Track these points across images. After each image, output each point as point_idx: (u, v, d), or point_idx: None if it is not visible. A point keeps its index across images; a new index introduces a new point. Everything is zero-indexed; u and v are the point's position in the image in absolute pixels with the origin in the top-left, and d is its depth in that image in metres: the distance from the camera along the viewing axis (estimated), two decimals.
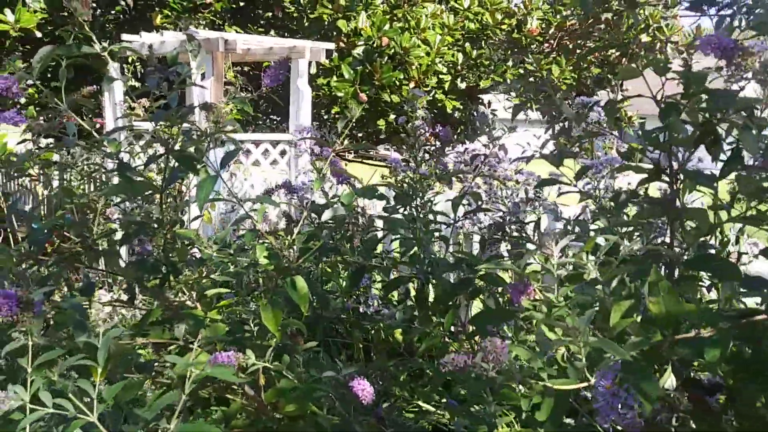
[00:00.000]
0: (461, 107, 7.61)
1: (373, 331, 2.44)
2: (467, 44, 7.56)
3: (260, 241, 1.50)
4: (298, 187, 2.22)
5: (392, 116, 6.63)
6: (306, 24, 6.80)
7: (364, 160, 8.44)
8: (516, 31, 7.74)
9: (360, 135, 8.06)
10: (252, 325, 1.58)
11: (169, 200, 1.61)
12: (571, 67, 7.04)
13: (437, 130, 2.31)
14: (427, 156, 3.20)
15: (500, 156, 2.22)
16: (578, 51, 7.72)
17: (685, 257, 1.58)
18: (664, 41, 6.57)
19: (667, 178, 1.61)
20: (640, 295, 1.02)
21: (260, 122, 9.03)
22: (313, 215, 1.79)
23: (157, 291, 1.59)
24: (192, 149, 1.50)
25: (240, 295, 1.61)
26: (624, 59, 7.36)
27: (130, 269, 1.62)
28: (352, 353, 2.63)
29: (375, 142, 7.94)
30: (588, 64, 7.19)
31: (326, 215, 1.64)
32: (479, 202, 2.13)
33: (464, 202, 2.14)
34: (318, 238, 1.62)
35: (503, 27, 7.68)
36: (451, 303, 1.96)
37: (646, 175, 1.64)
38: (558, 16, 7.52)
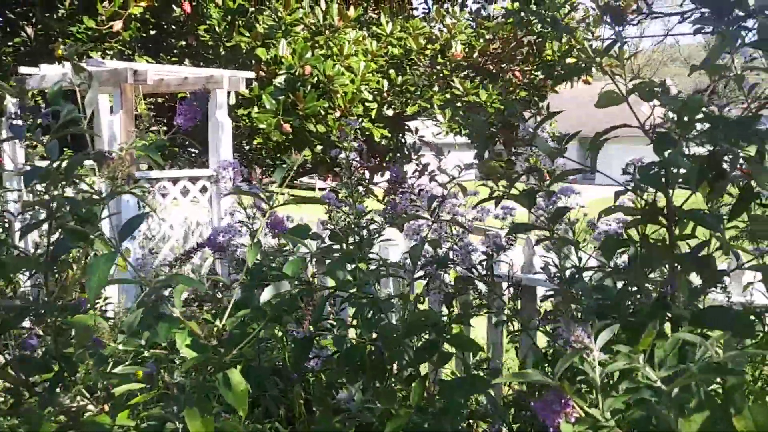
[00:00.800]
0: (389, 135, 7.40)
1: (314, 380, 2.12)
2: (391, 70, 7.38)
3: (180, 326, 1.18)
4: (225, 242, 1.89)
5: (318, 147, 6.33)
6: (222, 53, 6.45)
7: (291, 192, 8.13)
8: (440, 56, 7.62)
9: (284, 166, 7.70)
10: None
11: (58, 277, 1.26)
12: (498, 91, 6.96)
13: (390, 170, 2.03)
14: (361, 189, 2.92)
15: (459, 198, 1.96)
16: (501, 75, 7.67)
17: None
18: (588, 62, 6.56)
19: (664, 220, 1.38)
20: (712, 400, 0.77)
21: (177, 156, 8.56)
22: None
23: (48, 395, 1.23)
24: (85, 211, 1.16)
25: (158, 389, 1.27)
26: (548, 81, 7.34)
27: (11, 369, 1.26)
28: (292, 410, 2.30)
29: (301, 173, 7.62)
30: (514, 87, 7.12)
31: (266, 294, 1.32)
32: (443, 251, 1.85)
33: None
34: (257, 319, 1.31)
35: (427, 52, 7.56)
36: (414, 372, 1.67)
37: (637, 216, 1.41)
38: (481, 40, 7.45)
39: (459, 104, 7.28)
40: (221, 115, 5.03)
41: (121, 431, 1.23)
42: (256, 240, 1.31)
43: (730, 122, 1.23)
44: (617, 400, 0.77)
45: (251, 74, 5.33)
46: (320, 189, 19.09)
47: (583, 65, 7.19)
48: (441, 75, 7.49)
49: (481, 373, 2.03)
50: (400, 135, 8.28)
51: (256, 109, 5.89)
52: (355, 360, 1.66)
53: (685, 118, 1.31)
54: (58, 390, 1.23)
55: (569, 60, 6.82)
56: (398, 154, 8.36)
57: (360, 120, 7.01)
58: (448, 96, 7.46)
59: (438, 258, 1.85)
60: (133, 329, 1.17)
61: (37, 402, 1.22)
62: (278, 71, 5.92)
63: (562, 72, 7.03)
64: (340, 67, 6.26)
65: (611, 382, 0.87)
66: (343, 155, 3.43)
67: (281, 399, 2.03)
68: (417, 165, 7.76)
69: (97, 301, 1.43)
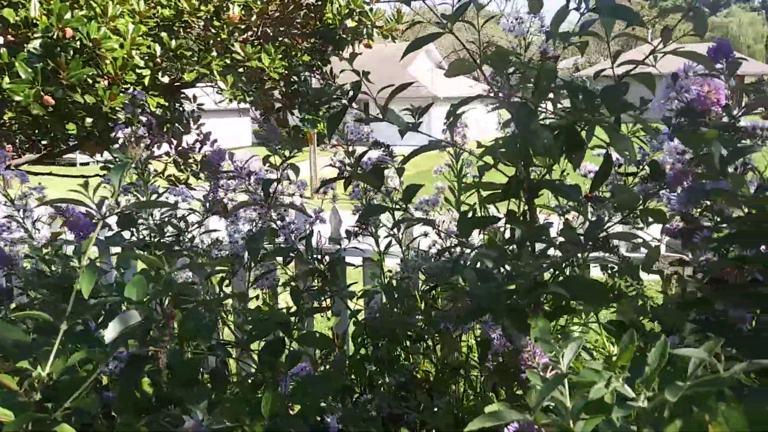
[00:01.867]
0: (165, 104, 6.90)
1: None
2: (164, 34, 6.84)
3: None
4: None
5: (88, 119, 5.69)
6: None
7: (53, 173, 7.28)
8: (215, 18, 7.20)
9: (45, 143, 6.91)
10: None
11: None
12: (281, 56, 6.75)
13: (208, 153, 1.78)
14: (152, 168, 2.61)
15: (291, 178, 1.78)
16: (280, 38, 7.49)
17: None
18: (369, 26, 6.60)
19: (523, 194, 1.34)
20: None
21: None
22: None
23: None
24: None
25: None
26: (331, 46, 7.29)
27: None
28: None
29: (64, 150, 6.87)
30: (297, 51, 6.96)
31: (112, 332, 1.03)
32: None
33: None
34: (99, 359, 1.03)
35: (200, 14, 7.10)
36: (260, 378, 1.49)
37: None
38: (259, 2, 7.16)
39: (241, 70, 6.96)
40: None
41: None
42: (87, 261, 1.03)
43: (591, 91, 1.21)
44: (589, 423, 0.69)
45: None
46: (82, 164, 17.56)
47: (364, 29, 7.19)
48: (219, 39, 7.10)
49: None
50: (177, 104, 7.78)
51: (7, 79, 5.09)
52: (193, 374, 1.44)
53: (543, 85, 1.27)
54: None
55: (350, 23, 6.80)
56: (176, 125, 7.85)
57: (131, 88, 6.44)
58: (228, 61, 7.10)
59: (278, 248, 1.67)
60: None
61: None
62: (31, 35, 5.17)
63: (342, 36, 7.01)
64: (106, 30, 5.63)
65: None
66: (128, 130, 3.06)
67: None
68: (198, 135, 7.37)
69: None
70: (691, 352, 0.65)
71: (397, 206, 1.56)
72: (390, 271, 2.97)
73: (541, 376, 0.70)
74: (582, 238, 1.25)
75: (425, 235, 2.66)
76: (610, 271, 2.13)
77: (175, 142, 7.44)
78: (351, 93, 1.38)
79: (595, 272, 2.83)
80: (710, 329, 1.17)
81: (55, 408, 0.92)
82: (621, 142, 1.18)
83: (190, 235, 1.75)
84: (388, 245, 2.74)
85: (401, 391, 2.58)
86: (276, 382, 1.43)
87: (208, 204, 1.77)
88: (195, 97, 7.86)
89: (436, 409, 2.66)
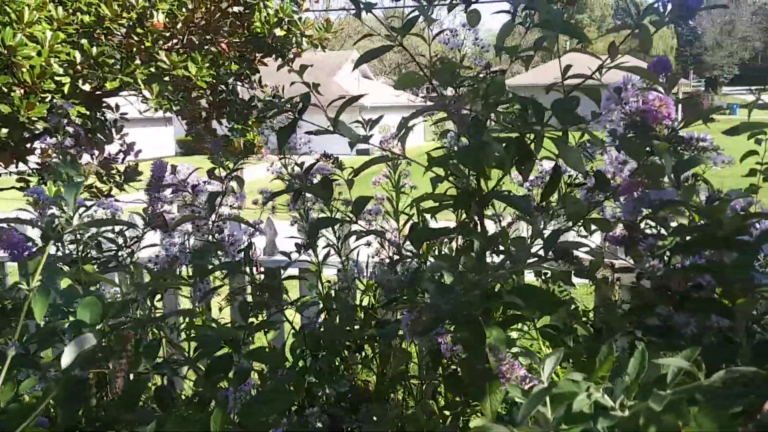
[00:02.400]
0: (86, 112, 6.68)
1: None
2: (84, 40, 6.62)
3: None
4: None
5: (3, 129, 5.43)
6: None
7: None
8: (138, 25, 7.02)
9: None
10: None
11: None
12: (209, 65, 6.64)
13: (152, 166, 1.72)
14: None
15: (237, 192, 1.74)
16: (206, 47, 7.37)
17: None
18: (299, 35, 6.58)
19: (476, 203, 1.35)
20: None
21: None
22: None
23: None
24: None
25: None
26: (259, 54, 7.23)
27: None
28: None
29: None
30: (225, 60, 6.86)
31: (68, 357, 0.95)
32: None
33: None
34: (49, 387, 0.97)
35: (122, 21, 6.91)
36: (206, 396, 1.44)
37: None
38: (184, 10, 7.03)
39: (167, 78, 6.80)
40: None
41: None
42: (37, 283, 0.96)
43: (539, 104, 1.23)
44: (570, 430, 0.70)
45: None
46: None
47: (293, 38, 7.15)
48: (143, 47, 6.92)
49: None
50: (99, 113, 7.54)
51: None
52: (138, 395, 1.38)
53: (491, 99, 1.29)
54: None
55: (278, 32, 6.75)
56: (98, 134, 7.62)
57: (50, 97, 6.19)
58: (153, 70, 6.93)
59: (225, 263, 1.63)
60: None
61: None
62: None
63: (272, 44, 6.96)
64: (22, 36, 5.40)
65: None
66: (52, 140, 2.96)
67: None
68: (121, 145, 7.13)
69: None
70: (672, 361, 0.67)
71: (347, 218, 1.55)
72: (329, 281, 2.95)
73: (521, 388, 0.70)
74: (539, 246, 1.28)
75: (368, 244, 2.65)
76: (543, 277, 2.19)
77: (97, 152, 7.20)
78: (300, 105, 1.36)
79: (529, 277, 2.89)
80: (656, 334, 1.22)
81: None
82: (570, 155, 1.21)
83: (128, 250, 1.68)
84: (327, 255, 2.72)
85: (341, 402, 2.56)
86: (224, 401, 1.39)
87: (147, 217, 1.71)
88: (118, 106, 7.64)
89: (376, 418, 2.65)
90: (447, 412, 2.65)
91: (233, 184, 1.74)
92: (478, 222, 1.34)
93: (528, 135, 1.27)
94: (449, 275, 1.11)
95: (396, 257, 2.62)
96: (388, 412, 2.77)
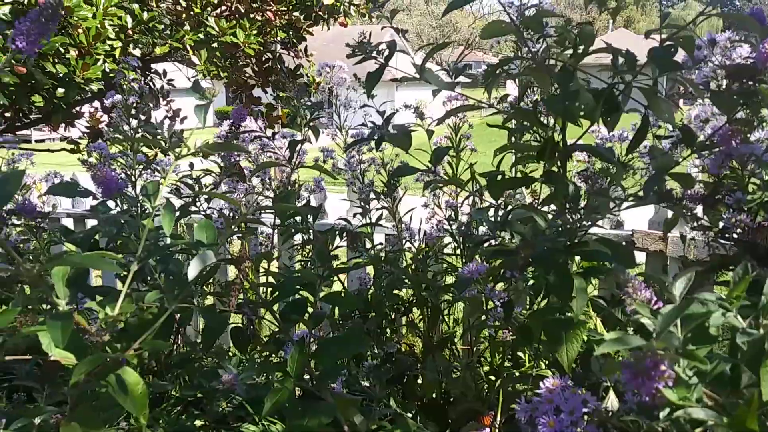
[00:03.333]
0: (138, 77, 6.75)
1: None
2: (135, 5, 6.69)
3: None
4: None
5: (60, 90, 5.54)
6: None
7: (22, 148, 7.08)
8: None
9: (7, 115, 6.73)
10: None
11: None
12: (256, 32, 6.68)
13: (233, 112, 1.75)
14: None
15: (312, 140, 1.76)
16: (253, 15, 7.38)
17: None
18: (347, 3, 6.58)
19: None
20: None
21: None
22: None
23: None
24: None
25: None
26: (309, 22, 7.23)
27: None
28: None
29: (24, 125, 6.71)
30: (271, 28, 6.88)
31: (194, 270, 1.00)
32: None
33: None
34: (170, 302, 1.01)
35: None
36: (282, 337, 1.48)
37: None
38: None
39: (215, 45, 6.84)
40: None
41: None
42: (163, 199, 1.01)
43: (631, 53, 1.23)
44: (700, 352, 0.71)
45: None
46: (37, 141, 16.98)
47: (341, 6, 7.16)
48: (192, 12, 6.96)
49: None
50: (148, 78, 7.64)
51: None
52: (220, 331, 1.43)
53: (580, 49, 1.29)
54: None
55: (326, 1, 6.74)
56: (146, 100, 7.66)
57: (101, 60, 6.28)
58: (201, 36, 6.98)
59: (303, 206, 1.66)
60: None
61: None
62: (1, 1, 5.00)
63: (319, 13, 6.95)
64: None
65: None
66: (119, 98, 3.02)
67: None
68: (167, 111, 7.25)
69: None
70: None
71: (426, 168, 1.57)
72: (380, 243, 2.98)
73: (649, 308, 0.71)
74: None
75: (425, 206, 2.67)
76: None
77: (143, 117, 7.27)
78: (387, 52, 1.37)
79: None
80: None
81: (125, 349, 0.90)
82: (661, 105, 1.21)
83: (204, 197, 1.72)
84: (379, 218, 2.75)
85: (387, 363, 2.59)
86: (301, 342, 1.43)
87: (224, 165, 1.74)
88: (165, 72, 7.72)
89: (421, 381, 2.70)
90: (492, 377, 2.67)
91: (310, 133, 1.76)
92: (562, 172, 1.34)
93: (616, 86, 1.27)
94: (541, 219, 1.13)
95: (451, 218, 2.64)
96: (434, 375, 2.82)
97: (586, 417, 1.10)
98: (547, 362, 1.56)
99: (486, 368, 2.90)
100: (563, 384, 1.15)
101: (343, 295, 1.59)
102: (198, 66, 6.79)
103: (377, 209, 2.74)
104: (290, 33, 6.91)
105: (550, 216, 1.30)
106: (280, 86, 7.63)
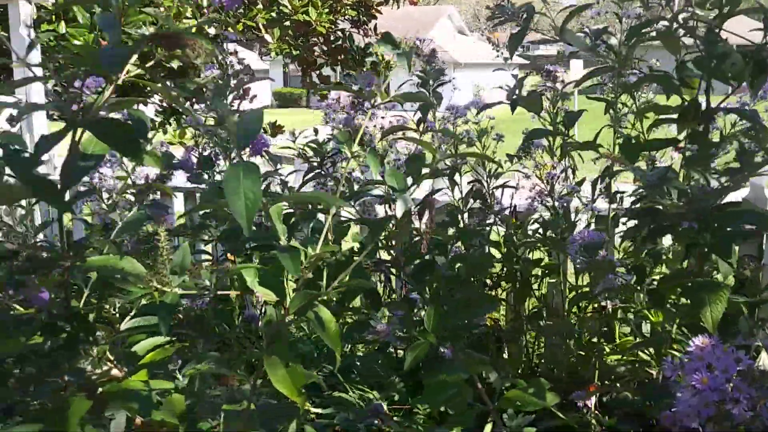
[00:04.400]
0: (225, 53, 6.88)
1: None
2: None
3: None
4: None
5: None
6: None
7: None
8: None
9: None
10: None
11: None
12: (327, 10, 6.72)
13: (360, 76, 1.79)
14: None
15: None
16: None
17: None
18: None
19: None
20: None
21: None
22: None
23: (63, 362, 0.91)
24: None
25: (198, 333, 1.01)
26: (379, 0, 7.25)
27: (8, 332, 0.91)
28: None
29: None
30: (342, 6, 6.92)
31: (400, 209, 1.07)
32: None
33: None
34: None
35: None
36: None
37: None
38: None
39: (287, 23, 6.92)
40: (26, 32, 4.30)
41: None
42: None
43: None
44: None
45: None
46: None
47: None
48: None
49: None
50: (221, 56, 7.71)
51: (63, 24, 5.10)
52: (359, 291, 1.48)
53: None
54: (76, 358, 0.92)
55: None
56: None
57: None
58: (273, 15, 7.06)
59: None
60: (187, 270, 0.89)
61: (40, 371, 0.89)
62: None
63: None
64: None
65: None
66: (217, 72, 3.11)
67: None
68: (237, 90, 7.25)
69: None
70: None
71: (560, 131, 1.59)
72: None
73: None
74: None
75: (516, 186, 2.67)
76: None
77: (242, 92, 7.44)
78: (525, 15, 1.40)
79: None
80: None
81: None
82: None
83: (329, 163, 1.78)
84: (470, 191, 2.76)
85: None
86: (436, 298, 1.47)
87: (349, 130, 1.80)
88: (236, 51, 7.79)
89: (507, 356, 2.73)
90: (582, 352, 2.67)
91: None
92: (704, 134, 1.35)
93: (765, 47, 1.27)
94: (701, 176, 1.14)
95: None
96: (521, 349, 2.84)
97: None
98: (675, 327, 1.56)
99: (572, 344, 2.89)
100: (713, 342, 1.16)
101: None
102: (271, 45, 6.90)
103: (469, 183, 2.75)
104: (360, 11, 6.94)
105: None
106: (348, 65, 7.67)
